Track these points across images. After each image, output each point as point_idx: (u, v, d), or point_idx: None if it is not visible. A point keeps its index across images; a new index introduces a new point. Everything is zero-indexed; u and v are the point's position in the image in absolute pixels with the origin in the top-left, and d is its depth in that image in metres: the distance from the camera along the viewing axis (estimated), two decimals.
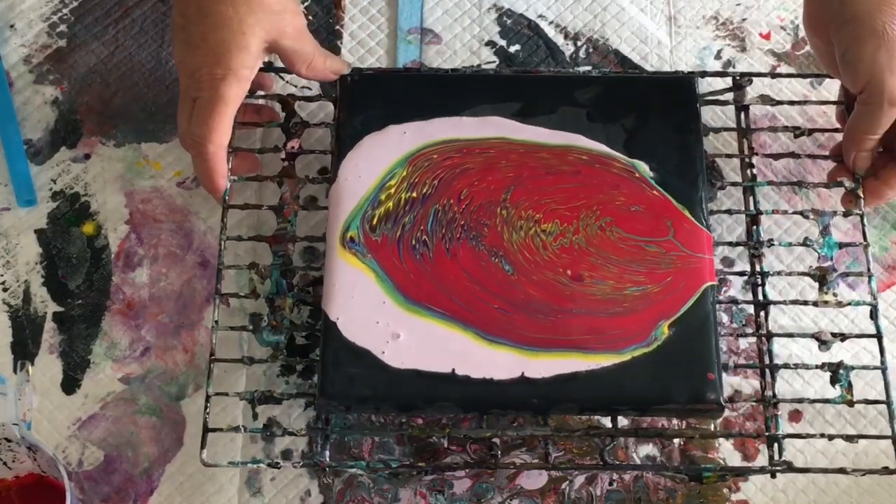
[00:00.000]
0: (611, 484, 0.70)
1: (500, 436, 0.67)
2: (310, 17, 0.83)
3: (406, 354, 0.65)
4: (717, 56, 0.81)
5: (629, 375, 0.65)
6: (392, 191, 0.70)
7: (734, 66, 0.81)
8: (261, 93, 0.75)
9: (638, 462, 0.70)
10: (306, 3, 0.83)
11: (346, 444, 0.70)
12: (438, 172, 0.70)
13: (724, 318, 0.74)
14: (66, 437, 0.71)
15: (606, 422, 0.68)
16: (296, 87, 0.79)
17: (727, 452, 0.71)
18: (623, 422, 0.69)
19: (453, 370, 0.65)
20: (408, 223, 0.69)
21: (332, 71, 0.74)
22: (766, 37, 0.82)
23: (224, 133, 0.69)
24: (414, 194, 0.70)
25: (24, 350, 0.73)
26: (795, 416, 0.72)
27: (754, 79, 0.76)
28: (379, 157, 0.71)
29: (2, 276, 0.75)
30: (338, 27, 0.83)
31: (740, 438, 0.71)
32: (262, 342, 0.70)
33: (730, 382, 0.72)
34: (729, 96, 0.76)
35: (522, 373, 0.65)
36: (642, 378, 0.65)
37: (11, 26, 0.81)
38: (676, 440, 0.71)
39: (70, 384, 0.73)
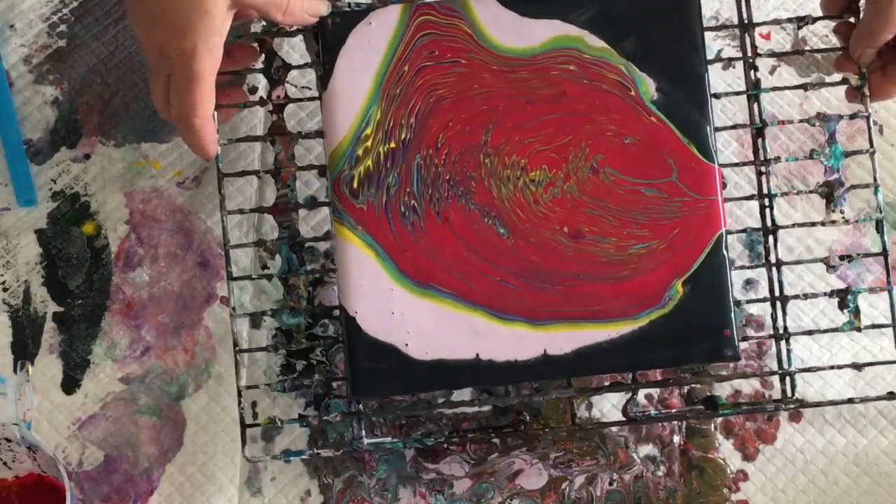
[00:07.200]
0: (611, 484, 0.70)
1: (524, 400, 0.69)
2: None
3: (429, 344, 0.65)
4: (717, 56, 0.81)
5: (649, 341, 0.65)
6: (369, 143, 0.66)
7: (734, 67, 0.81)
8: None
9: (638, 461, 0.71)
10: None
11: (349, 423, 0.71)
12: (413, 106, 0.66)
13: (739, 247, 0.74)
14: (66, 437, 0.71)
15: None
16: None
17: (727, 452, 0.71)
18: None
19: (477, 355, 0.65)
20: (392, 185, 0.66)
21: (311, 13, 0.68)
22: (767, 37, 0.82)
23: (208, 104, 0.66)
24: (392, 144, 0.66)
25: (24, 350, 0.73)
26: (796, 415, 0.72)
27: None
28: (351, 88, 0.66)
29: (2, 276, 0.75)
30: None
31: (740, 442, 0.71)
32: (283, 325, 0.70)
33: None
34: None
35: (545, 350, 0.65)
36: (662, 342, 0.65)
37: (11, 26, 0.81)
38: (676, 440, 0.71)
39: (70, 384, 0.73)
